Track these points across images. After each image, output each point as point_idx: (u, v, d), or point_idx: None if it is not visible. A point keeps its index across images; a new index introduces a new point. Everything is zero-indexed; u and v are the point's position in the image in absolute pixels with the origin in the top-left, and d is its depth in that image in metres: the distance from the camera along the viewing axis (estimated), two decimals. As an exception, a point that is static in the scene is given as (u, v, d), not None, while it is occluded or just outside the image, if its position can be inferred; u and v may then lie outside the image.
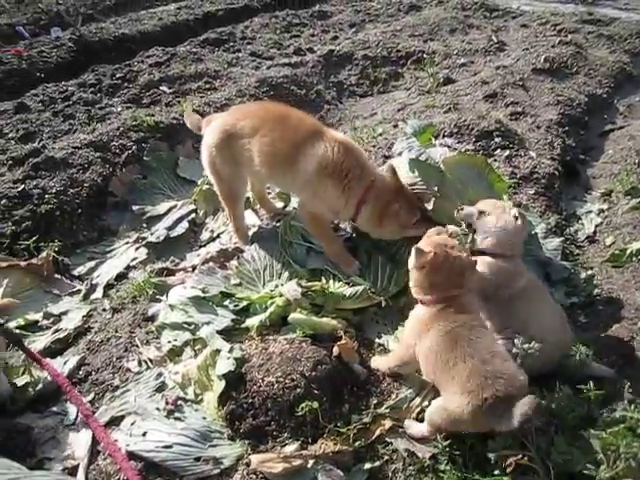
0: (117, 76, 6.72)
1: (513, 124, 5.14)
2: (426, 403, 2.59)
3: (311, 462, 2.36)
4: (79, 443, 2.57)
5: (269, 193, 4.15)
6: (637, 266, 3.56)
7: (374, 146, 4.77)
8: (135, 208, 4.46)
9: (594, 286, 3.44)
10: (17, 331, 3.24)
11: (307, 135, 3.23)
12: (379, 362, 2.83)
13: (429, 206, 3.23)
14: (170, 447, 2.44)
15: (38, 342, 3.25)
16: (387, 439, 2.50)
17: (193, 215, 4.34)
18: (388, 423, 2.55)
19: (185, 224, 4.23)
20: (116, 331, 3.25)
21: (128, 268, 3.96)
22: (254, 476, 2.34)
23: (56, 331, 3.34)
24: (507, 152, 4.56)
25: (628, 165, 4.83)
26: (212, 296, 3.22)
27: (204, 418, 2.61)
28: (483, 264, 2.75)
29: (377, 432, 2.51)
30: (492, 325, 2.72)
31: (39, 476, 1.96)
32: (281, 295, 3.09)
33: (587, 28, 8.17)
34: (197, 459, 2.42)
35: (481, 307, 2.70)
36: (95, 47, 7.75)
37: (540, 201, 4.06)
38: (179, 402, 2.68)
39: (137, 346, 3.09)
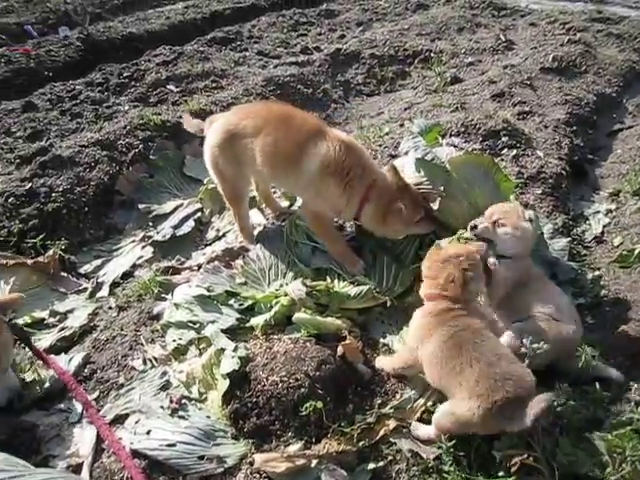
0: (124, 75, 6.75)
1: (520, 123, 5.11)
2: (430, 403, 2.58)
3: (315, 462, 2.36)
4: (84, 441, 2.58)
5: (274, 192, 4.15)
6: (645, 267, 3.54)
7: (380, 145, 4.76)
8: (141, 207, 4.48)
9: (601, 287, 3.41)
10: (24, 328, 3.25)
11: (309, 134, 3.23)
12: (384, 362, 2.83)
13: (435, 206, 3.22)
14: (174, 445, 2.45)
15: (44, 340, 3.27)
16: (391, 439, 2.50)
17: (199, 214, 4.34)
18: (392, 423, 2.55)
19: (191, 223, 4.24)
20: (121, 329, 3.26)
21: (134, 266, 3.98)
22: (257, 475, 2.35)
23: (62, 329, 3.36)
24: (514, 152, 4.53)
25: (637, 165, 4.80)
26: (217, 295, 3.23)
27: (208, 417, 2.61)
28: (505, 266, 2.86)
29: (381, 432, 2.51)
30: (512, 314, 2.79)
31: (43, 473, 1.97)
32: (286, 294, 3.09)
33: (596, 26, 8.12)
34: (201, 458, 2.43)
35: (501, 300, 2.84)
36: (103, 46, 7.78)
37: (547, 201, 4.03)
38: (183, 401, 2.69)
39: (142, 344, 3.10)
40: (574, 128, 5.27)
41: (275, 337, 2.92)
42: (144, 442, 2.47)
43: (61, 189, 4.34)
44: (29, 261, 3.74)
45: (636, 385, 2.62)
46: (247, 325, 3.06)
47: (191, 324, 3.09)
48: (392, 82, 7.13)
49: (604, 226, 4.12)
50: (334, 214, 3.40)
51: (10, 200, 4.18)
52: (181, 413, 2.62)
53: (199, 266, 3.65)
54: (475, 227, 3.01)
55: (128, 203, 4.58)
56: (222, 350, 2.79)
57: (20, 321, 3.32)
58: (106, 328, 3.33)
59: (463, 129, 4.77)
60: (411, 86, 6.96)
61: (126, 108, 5.96)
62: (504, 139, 4.65)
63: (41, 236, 3.98)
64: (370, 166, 3.27)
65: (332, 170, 3.14)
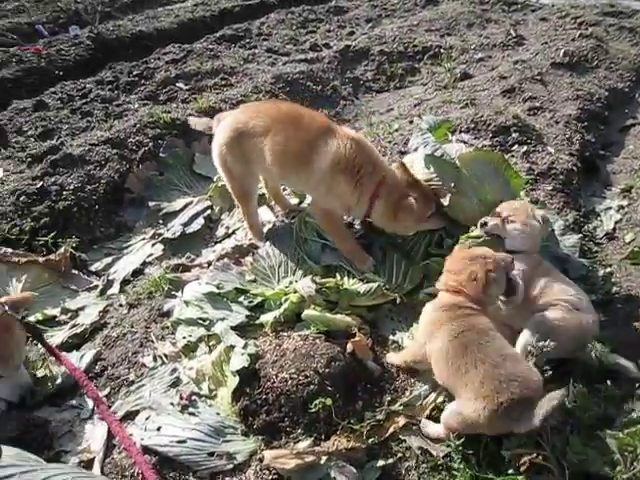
0: (134, 73, 6.77)
1: (531, 119, 5.07)
2: (440, 400, 2.58)
3: (324, 458, 2.36)
4: (95, 437, 2.60)
5: (284, 190, 4.15)
6: (657, 264, 3.51)
7: (390, 142, 4.75)
8: (151, 204, 4.50)
9: (612, 284, 3.39)
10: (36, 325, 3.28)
11: (319, 132, 3.24)
12: (393, 358, 2.83)
13: (445, 202, 3.21)
14: (184, 442, 2.46)
15: (56, 337, 3.29)
16: (401, 436, 2.50)
17: (209, 211, 4.36)
18: (402, 420, 2.55)
19: (201, 220, 4.25)
20: (132, 326, 3.28)
21: (144, 264, 4.00)
22: (267, 471, 2.36)
23: (73, 326, 3.38)
24: (525, 148, 4.50)
25: (649, 160, 4.76)
26: (227, 292, 3.24)
27: (218, 414, 2.62)
28: (517, 261, 2.84)
29: (390, 429, 2.52)
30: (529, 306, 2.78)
31: (55, 469, 1.98)
32: (295, 291, 3.09)
33: (608, 21, 8.02)
34: (211, 454, 2.44)
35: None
36: (112, 45, 7.82)
37: (558, 197, 4.00)
38: (193, 397, 2.70)
39: (152, 341, 3.12)
40: (585, 124, 5.22)
41: (285, 334, 2.93)
42: (154, 438, 2.49)
43: (72, 187, 4.37)
44: (41, 259, 3.77)
45: (648, 383, 2.60)
46: (257, 322, 3.07)
47: (201, 321, 3.11)
48: (401, 78, 7.10)
49: (616, 222, 4.09)
50: (344, 211, 3.40)
51: (22, 198, 4.21)
52: (191, 410, 2.63)
53: (209, 263, 3.66)
54: (485, 224, 3.02)
55: (138, 201, 4.61)
56: (232, 347, 2.81)
57: (32, 318, 3.35)
58: (117, 325, 3.36)
59: (473, 125, 4.75)
60: (421, 82, 6.93)
61: (136, 106, 5.98)
62: (514, 135, 4.63)
63: (52, 234, 4.01)
64: (380, 163, 3.29)
65: (343, 167, 3.16)
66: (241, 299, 3.21)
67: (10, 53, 7.20)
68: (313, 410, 2.50)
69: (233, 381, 2.64)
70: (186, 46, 7.47)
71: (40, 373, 2.95)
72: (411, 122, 5.18)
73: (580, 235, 3.64)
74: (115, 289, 3.75)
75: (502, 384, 2.18)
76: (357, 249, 3.39)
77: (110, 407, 2.71)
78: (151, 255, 4.04)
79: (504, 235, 3.00)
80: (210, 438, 2.50)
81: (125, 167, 4.72)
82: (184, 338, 3.05)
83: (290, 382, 2.59)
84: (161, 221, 4.38)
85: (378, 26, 8.81)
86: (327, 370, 2.64)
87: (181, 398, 2.68)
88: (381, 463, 2.39)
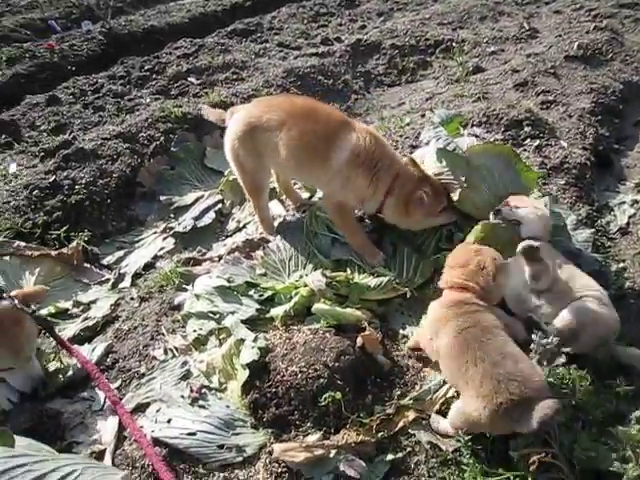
0: (146, 68, 6.80)
1: (544, 113, 5.02)
2: (450, 395, 2.56)
3: (333, 452, 2.36)
4: (106, 428, 2.62)
5: (295, 184, 4.15)
6: (671, 259, 3.47)
7: (401, 136, 4.72)
8: (163, 198, 4.52)
9: (626, 279, 3.35)
10: (48, 318, 3.31)
11: (336, 127, 3.24)
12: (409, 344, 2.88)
13: (455, 196, 3.20)
14: (194, 434, 2.47)
15: (68, 330, 3.32)
16: (410, 431, 2.48)
17: (220, 205, 4.36)
18: (411, 415, 2.54)
19: (212, 214, 4.26)
20: (143, 320, 3.30)
21: (156, 258, 4.01)
22: (276, 464, 2.36)
23: (85, 319, 3.41)
24: (537, 142, 4.46)
25: (664, 155, 4.70)
26: (237, 286, 3.25)
27: (228, 406, 2.63)
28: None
29: (400, 423, 2.50)
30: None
31: (66, 459, 2.00)
32: (306, 285, 3.09)
33: (624, 12, 7.90)
34: (220, 447, 2.45)
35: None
36: (124, 39, 7.85)
37: (571, 192, 3.96)
38: (203, 390, 2.71)
39: (163, 334, 3.14)
40: (599, 117, 5.15)
41: (295, 328, 2.93)
42: (165, 430, 2.50)
43: (84, 181, 4.40)
44: (53, 252, 3.80)
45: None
46: (267, 316, 3.07)
47: (211, 314, 3.11)
48: (413, 72, 7.05)
49: (629, 217, 4.03)
50: (358, 205, 3.39)
51: (35, 192, 4.25)
52: (201, 402, 2.64)
53: (220, 257, 3.67)
54: (499, 211, 3.02)
55: (149, 195, 4.63)
56: (242, 340, 2.81)
57: (44, 311, 3.39)
58: (128, 318, 3.38)
59: (485, 119, 4.71)
60: (432, 76, 6.88)
61: (147, 101, 6.01)
62: (527, 129, 4.58)
63: (65, 228, 4.04)
64: (395, 157, 3.30)
65: (362, 161, 3.16)
66: (251, 293, 3.22)
67: (24, 49, 7.26)
68: (323, 404, 2.50)
69: (243, 374, 2.65)
70: (197, 40, 7.49)
71: (52, 366, 2.97)
72: (423, 116, 5.16)
73: (593, 230, 3.60)
74: (127, 282, 3.77)
75: (501, 384, 2.15)
76: (367, 243, 3.39)
77: (121, 399, 2.72)
78: (162, 249, 4.06)
79: (520, 220, 2.99)
80: (220, 431, 2.51)
81: (137, 161, 4.75)
82: (195, 331, 3.06)
83: (300, 375, 2.59)
84: (172, 215, 4.40)
85: (390, 20, 8.76)
86: (337, 364, 2.64)
87: (191, 391, 2.69)
88: (390, 457, 2.38)
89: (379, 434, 2.45)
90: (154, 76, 6.63)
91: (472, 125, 4.68)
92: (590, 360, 2.65)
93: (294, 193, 4.06)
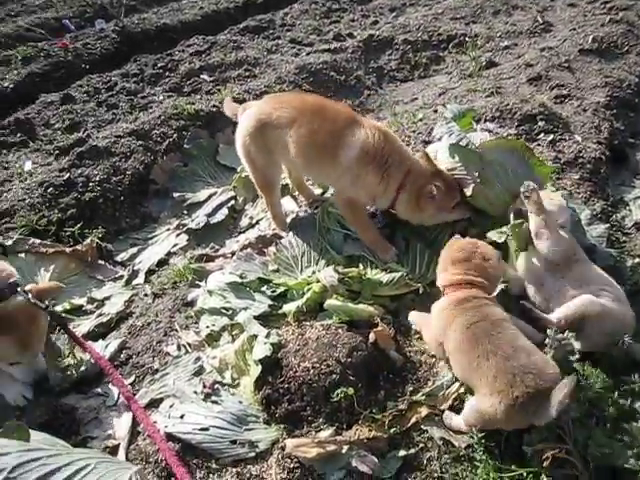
0: (159, 65, 6.81)
1: (558, 107, 4.97)
2: (462, 390, 2.55)
3: (345, 448, 2.36)
4: (120, 424, 2.65)
5: (307, 180, 4.14)
6: (687, 254, 3.42)
7: (414, 131, 4.70)
8: (176, 195, 4.54)
9: (640, 274, 3.32)
10: (63, 315, 3.34)
11: (345, 124, 3.24)
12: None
13: (468, 192, 3.18)
14: (207, 430, 2.48)
15: (82, 326, 3.35)
16: (422, 426, 2.48)
17: (233, 202, 4.37)
18: (424, 410, 2.53)
19: (225, 211, 4.27)
20: (156, 316, 3.32)
21: (169, 254, 4.03)
22: (289, 460, 2.36)
23: (99, 315, 3.44)
24: (551, 136, 4.41)
25: (680, 149, 4.64)
26: (250, 282, 3.26)
27: (240, 402, 2.64)
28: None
29: (412, 419, 2.50)
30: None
31: (80, 453, 2.02)
32: (318, 281, 3.09)
33: (640, 5, 7.81)
34: (233, 442, 2.46)
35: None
36: (137, 37, 7.89)
37: (585, 186, 3.92)
38: (216, 386, 2.72)
39: (176, 330, 3.16)
40: (614, 111, 5.09)
41: (307, 323, 2.93)
42: (178, 426, 2.52)
43: (98, 179, 4.43)
44: (68, 249, 3.84)
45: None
46: (279, 312, 3.08)
47: (224, 310, 3.13)
48: (426, 67, 7.01)
49: (645, 212, 4.00)
50: (369, 201, 3.38)
51: (49, 190, 4.29)
52: (214, 398, 2.66)
53: (232, 253, 3.68)
54: (520, 210, 3.03)
55: (163, 192, 4.65)
56: (254, 336, 2.82)
57: (59, 308, 3.42)
58: (142, 315, 3.40)
59: (498, 114, 4.68)
60: (445, 71, 6.84)
61: (160, 98, 6.03)
62: (540, 124, 4.54)
63: (79, 225, 4.08)
64: (405, 152, 3.28)
65: (372, 157, 3.15)
66: (264, 289, 3.23)
67: (38, 48, 7.32)
68: (335, 399, 2.50)
69: (255, 370, 2.66)
70: (210, 38, 7.50)
71: (67, 361, 3.00)
72: (435, 111, 5.13)
73: (608, 225, 3.56)
74: (140, 279, 3.80)
75: (516, 377, 2.13)
76: (380, 239, 3.38)
77: (135, 395, 2.75)
78: (176, 245, 4.08)
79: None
80: (232, 426, 2.52)
81: (150, 158, 4.77)
82: (207, 327, 3.07)
83: (312, 371, 2.59)
84: (185, 212, 4.42)
85: (402, 15, 8.71)
86: (349, 359, 2.64)
87: (204, 386, 2.71)
88: (403, 453, 2.38)
89: (391, 430, 2.45)
90: (167, 74, 6.65)
91: (485, 120, 4.65)
92: (605, 357, 2.62)
93: (307, 189, 4.05)
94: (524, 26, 7.50)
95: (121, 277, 3.83)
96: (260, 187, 3.68)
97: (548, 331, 2.53)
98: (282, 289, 3.20)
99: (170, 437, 2.48)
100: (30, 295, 2.76)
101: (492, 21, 7.95)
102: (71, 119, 5.60)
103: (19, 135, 5.45)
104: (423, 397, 2.58)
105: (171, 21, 8.46)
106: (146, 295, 3.61)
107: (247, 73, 6.53)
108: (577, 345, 2.61)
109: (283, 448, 2.41)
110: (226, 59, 6.77)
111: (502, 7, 8.34)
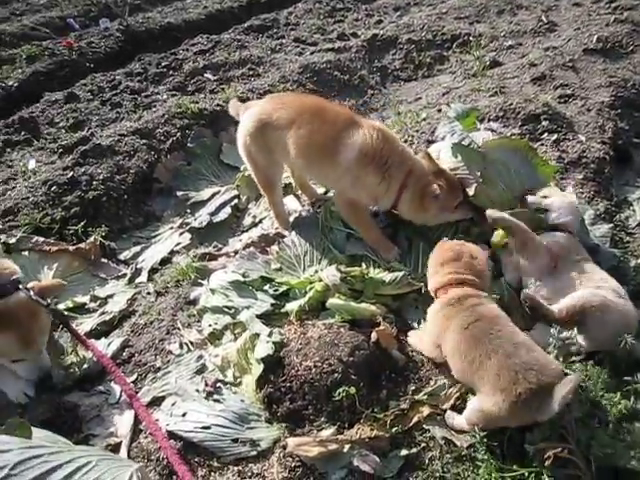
0: (163, 64, 6.81)
1: (562, 107, 4.95)
2: (464, 390, 2.54)
3: (347, 447, 2.36)
4: (122, 421, 2.66)
5: (310, 179, 4.14)
6: (691, 255, 3.41)
7: (417, 131, 4.69)
8: (179, 194, 4.54)
9: (644, 275, 3.30)
10: (65, 312, 3.35)
11: (344, 125, 3.24)
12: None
13: (470, 191, 3.17)
14: (208, 428, 2.49)
15: (85, 324, 3.36)
16: (424, 426, 2.48)
17: (236, 201, 4.37)
18: (426, 410, 2.53)
19: (228, 210, 4.27)
20: (159, 314, 3.33)
21: (172, 253, 4.03)
22: (290, 459, 2.37)
23: (102, 313, 3.44)
24: (555, 136, 4.40)
25: (685, 149, 4.61)
26: (252, 280, 3.26)
27: (242, 400, 2.65)
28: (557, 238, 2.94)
29: (414, 419, 2.50)
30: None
31: (82, 451, 2.02)
32: (320, 280, 3.09)
33: (646, 4, 7.77)
34: (235, 440, 2.46)
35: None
36: (142, 37, 7.89)
37: (589, 186, 3.91)
38: (218, 384, 2.73)
39: (179, 329, 3.16)
40: (619, 111, 5.06)
41: (309, 322, 2.93)
42: (180, 424, 2.52)
43: (101, 177, 4.43)
44: (71, 247, 3.84)
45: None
46: (282, 310, 3.08)
47: (227, 309, 3.13)
48: (430, 67, 7.00)
49: (649, 212, 3.98)
50: (371, 202, 3.38)
51: (53, 188, 4.30)
52: (216, 396, 2.66)
53: (235, 252, 3.68)
54: (525, 199, 3.10)
55: (166, 190, 4.66)
56: (257, 335, 2.82)
57: (62, 306, 3.43)
58: (144, 313, 3.40)
59: (502, 113, 4.67)
60: (449, 71, 6.82)
61: (164, 97, 6.03)
62: (544, 123, 4.52)
63: (82, 223, 4.08)
64: (406, 152, 3.28)
65: (371, 158, 3.15)
66: (266, 287, 3.23)
67: (43, 47, 7.34)
68: (337, 398, 2.50)
69: (258, 369, 2.66)
70: (214, 37, 7.50)
71: (69, 359, 3.01)
72: (439, 111, 5.12)
73: (611, 225, 3.55)
74: (143, 277, 3.80)
75: (518, 374, 2.13)
76: (382, 238, 3.38)
77: (137, 393, 2.75)
78: (179, 244, 4.08)
79: (548, 207, 3.02)
80: (234, 425, 2.52)
81: (153, 157, 4.78)
82: (210, 326, 3.08)
83: (314, 370, 2.59)
84: (189, 210, 4.41)
85: (406, 14, 8.70)
86: (351, 359, 2.64)
87: (206, 385, 2.72)
88: (404, 452, 2.38)
89: (393, 429, 2.45)
90: (171, 72, 6.65)
91: (489, 120, 4.64)
92: (608, 357, 2.62)
93: (310, 188, 4.06)
94: (528, 26, 7.47)
95: (124, 275, 3.84)
96: (262, 186, 3.69)
97: (552, 330, 2.53)
98: (284, 288, 3.20)
99: (172, 435, 2.48)
100: (32, 292, 2.76)
101: (496, 21, 7.93)
102: (75, 118, 5.61)
103: (23, 133, 5.46)
104: (425, 396, 2.58)
105: (175, 20, 8.47)
106: (149, 293, 3.62)
107: (251, 72, 6.53)
108: (582, 342, 2.61)
109: (285, 447, 2.41)
110: (230, 58, 6.77)
111: (506, 7, 8.32)
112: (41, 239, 3.84)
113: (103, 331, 3.31)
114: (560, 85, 5.39)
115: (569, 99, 5.17)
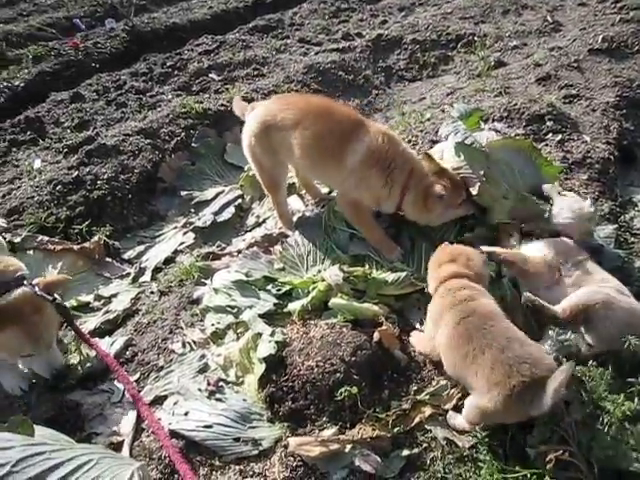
0: (168, 65, 6.83)
1: (566, 107, 4.94)
2: (466, 391, 2.53)
3: (349, 447, 2.37)
4: (125, 420, 2.67)
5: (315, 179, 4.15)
6: (696, 256, 3.39)
7: (421, 131, 4.69)
8: (183, 193, 4.55)
9: (649, 275, 3.29)
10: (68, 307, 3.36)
11: (350, 127, 3.24)
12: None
13: (474, 191, 3.17)
14: (210, 427, 2.50)
15: (89, 323, 3.37)
16: (426, 426, 2.48)
17: (239, 200, 4.38)
18: (428, 410, 2.53)
19: (232, 209, 4.28)
20: (162, 313, 3.34)
21: (176, 252, 4.05)
22: (292, 458, 2.37)
23: (106, 312, 3.46)
24: (559, 136, 4.39)
25: (690, 150, 4.59)
26: (255, 280, 3.27)
27: (244, 400, 2.65)
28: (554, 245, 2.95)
29: (416, 419, 2.50)
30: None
31: (83, 449, 2.03)
32: (323, 280, 3.09)
33: (652, 4, 7.73)
34: (236, 439, 2.47)
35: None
36: (147, 37, 7.92)
37: (593, 187, 3.89)
38: (220, 383, 2.74)
39: (182, 328, 3.17)
40: (624, 111, 5.04)
41: (312, 322, 2.94)
42: (182, 423, 2.53)
43: (106, 177, 4.45)
44: (75, 247, 3.86)
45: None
46: (284, 310, 3.08)
47: (229, 309, 3.14)
48: (434, 67, 6.99)
49: (654, 213, 3.96)
50: (374, 204, 3.38)
51: (58, 188, 4.32)
52: (218, 396, 2.67)
53: (239, 252, 3.69)
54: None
55: (170, 190, 4.67)
56: (259, 334, 2.83)
57: (66, 304, 3.43)
58: (148, 312, 3.42)
59: (506, 114, 4.66)
60: (454, 71, 6.81)
61: (169, 97, 6.04)
62: (549, 124, 4.51)
63: (87, 222, 4.10)
64: (408, 154, 3.28)
65: (375, 161, 3.16)
66: (269, 287, 3.24)
67: (49, 47, 7.38)
68: (339, 398, 2.51)
69: (260, 368, 2.67)
70: (219, 37, 7.52)
71: (73, 358, 3.02)
72: (443, 111, 5.11)
73: (616, 225, 3.54)
74: (147, 277, 3.81)
75: (512, 368, 2.14)
76: (385, 239, 3.38)
77: (140, 392, 2.76)
78: (182, 243, 4.09)
79: (553, 201, 3.06)
80: (236, 424, 2.53)
81: (158, 157, 4.79)
82: (213, 325, 3.09)
83: (316, 370, 2.60)
84: (193, 210, 4.43)
85: (411, 14, 8.69)
86: (353, 358, 2.64)
87: (208, 384, 2.72)
88: (406, 453, 2.38)
89: (395, 429, 2.45)
90: (176, 72, 6.67)
91: (493, 120, 4.63)
92: (612, 358, 2.61)
93: (314, 188, 4.06)
94: (533, 26, 7.45)
95: (128, 275, 3.85)
96: (266, 187, 3.70)
97: (550, 332, 2.52)
98: (287, 288, 3.21)
99: (174, 434, 2.49)
100: (37, 288, 2.77)
101: (501, 21, 7.91)
102: (80, 117, 5.63)
103: (29, 133, 5.49)
104: (427, 397, 2.58)
105: (180, 20, 8.49)
106: (152, 293, 3.63)
107: (255, 72, 6.54)
108: (590, 342, 2.61)
109: (286, 446, 2.42)
110: (235, 58, 6.78)
111: (511, 7, 8.29)
112: (46, 238, 3.86)
113: (107, 330, 3.33)
114: (565, 85, 5.37)
115: (574, 99, 5.15)
